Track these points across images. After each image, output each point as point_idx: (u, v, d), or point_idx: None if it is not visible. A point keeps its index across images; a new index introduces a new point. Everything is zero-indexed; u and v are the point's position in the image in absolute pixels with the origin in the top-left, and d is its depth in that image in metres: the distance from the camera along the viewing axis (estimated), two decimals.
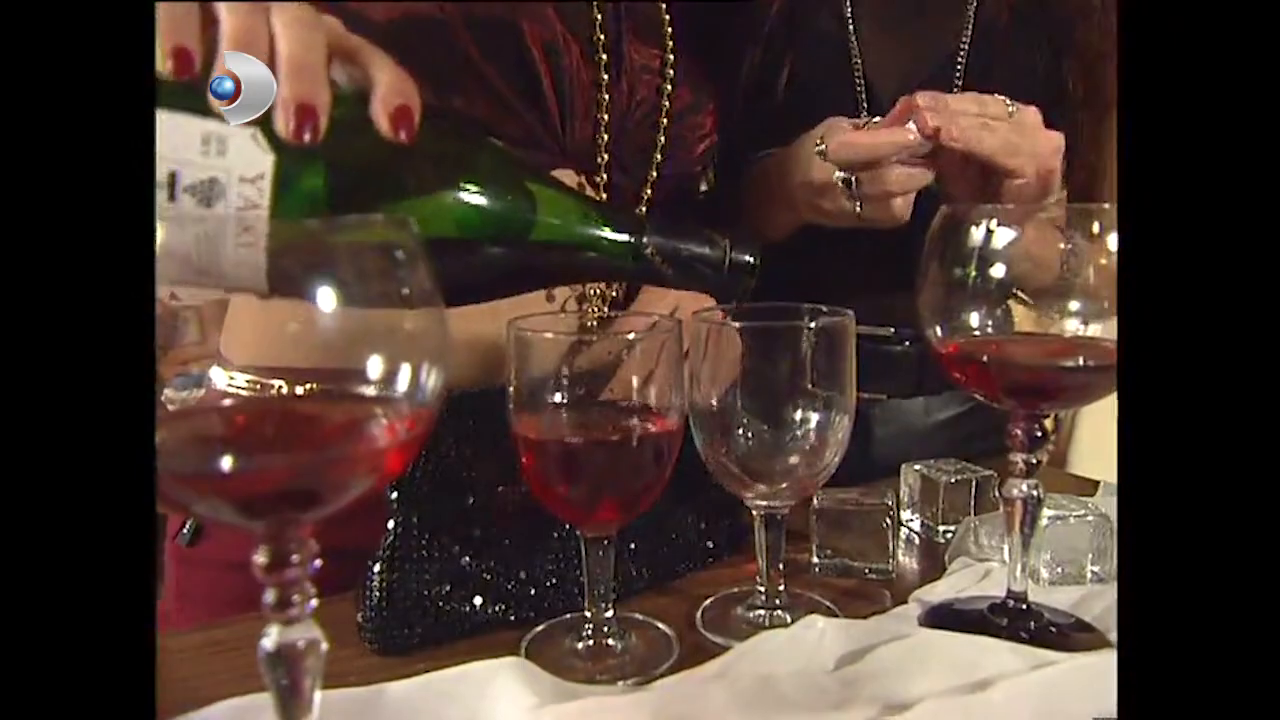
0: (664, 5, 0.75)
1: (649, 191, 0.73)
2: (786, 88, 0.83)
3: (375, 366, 0.35)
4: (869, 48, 0.84)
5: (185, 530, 0.70)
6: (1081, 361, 0.50)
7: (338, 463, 0.34)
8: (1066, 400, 0.53)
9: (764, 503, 0.58)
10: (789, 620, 0.57)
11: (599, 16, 0.68)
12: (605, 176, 0.70)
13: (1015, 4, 0.81)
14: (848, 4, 0.84)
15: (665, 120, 0.73)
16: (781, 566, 0.59)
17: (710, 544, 0.66)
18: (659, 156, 0.73)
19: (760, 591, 0.60)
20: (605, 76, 0.68)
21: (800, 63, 0.82)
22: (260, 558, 0.34)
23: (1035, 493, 0.53)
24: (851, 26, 0.84)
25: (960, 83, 0.82)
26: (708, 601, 0.61)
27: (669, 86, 0.73)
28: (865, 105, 0.84)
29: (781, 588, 0.60)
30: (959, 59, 0.82)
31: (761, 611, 0.59)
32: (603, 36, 0.69)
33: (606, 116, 0.69)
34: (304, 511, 0.34)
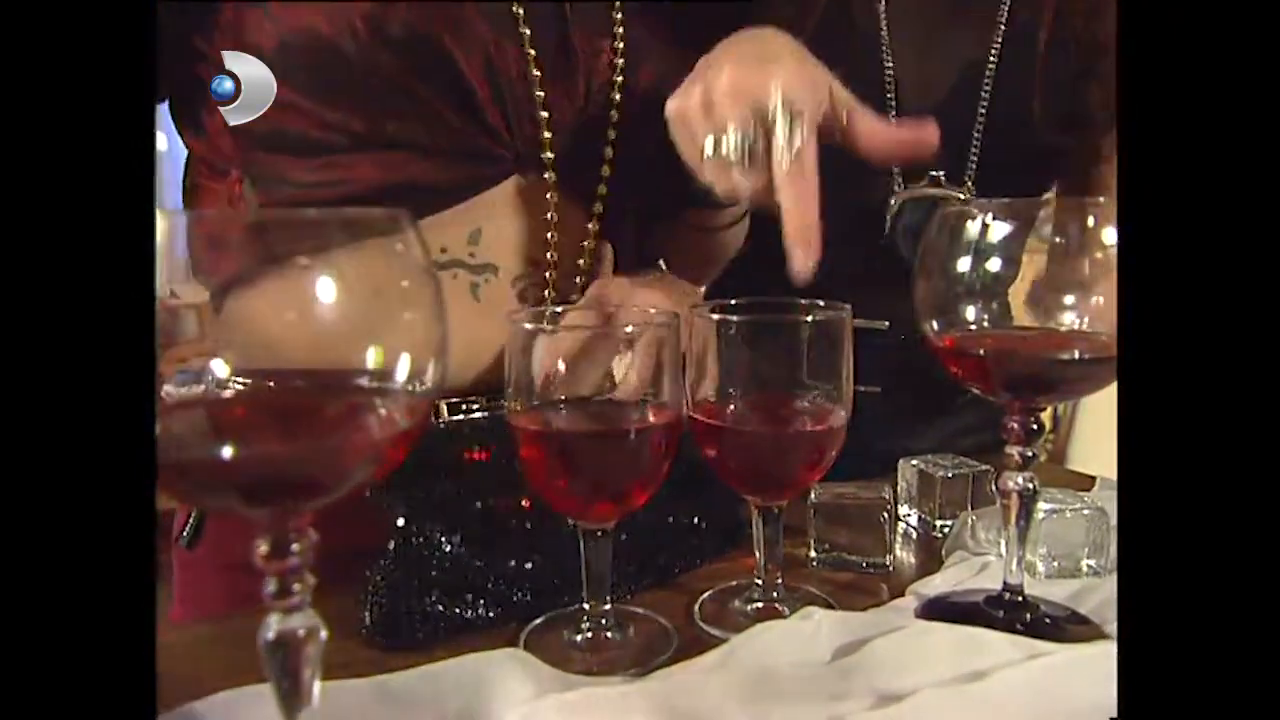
0: None
1: (606, 170, 0.73)
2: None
3: (374, 357, 0.35)
4: (901, 46, 0.83)
5: (184, 533, 0.70)
6: (1077, 355, 0.51)
7: (338, 452, 0.34)
8: (1062, 393, 0.54)
9: (761, 497, 0.58)
10: (786, 613, 0.57)
11: (519, 12, 0.67)
12: (554, 175, 0.69)
13: (1050, 22, 0.80)
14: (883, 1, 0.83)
15: (616, 113, 0.72)
16: (779, 561, 0.60)
17: (708, 541, 0.66)
18: (610, 151, 0.72)
19: (758, 585, 0.60)
20: (537, 73, 0.67)
21: (838, 58, 0.82)
22: (261, 546, 0.34)
23: (1031, 485, 0.53)
24: (885, 24, 0.83)
25: (988, 90, 0.82)
26: (705, 595, 0.61)
27: (618, 78, 0.72)
28: (894, 105, 0.83)
29: (779, 581, 0.60)
30: (988, 68, 0.82)
31: (759, 604, 0.59)
32: (529, 32, 0.67)
33: (546, 114, 0.68)
34: (305, 500, 0.34)
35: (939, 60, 0.83)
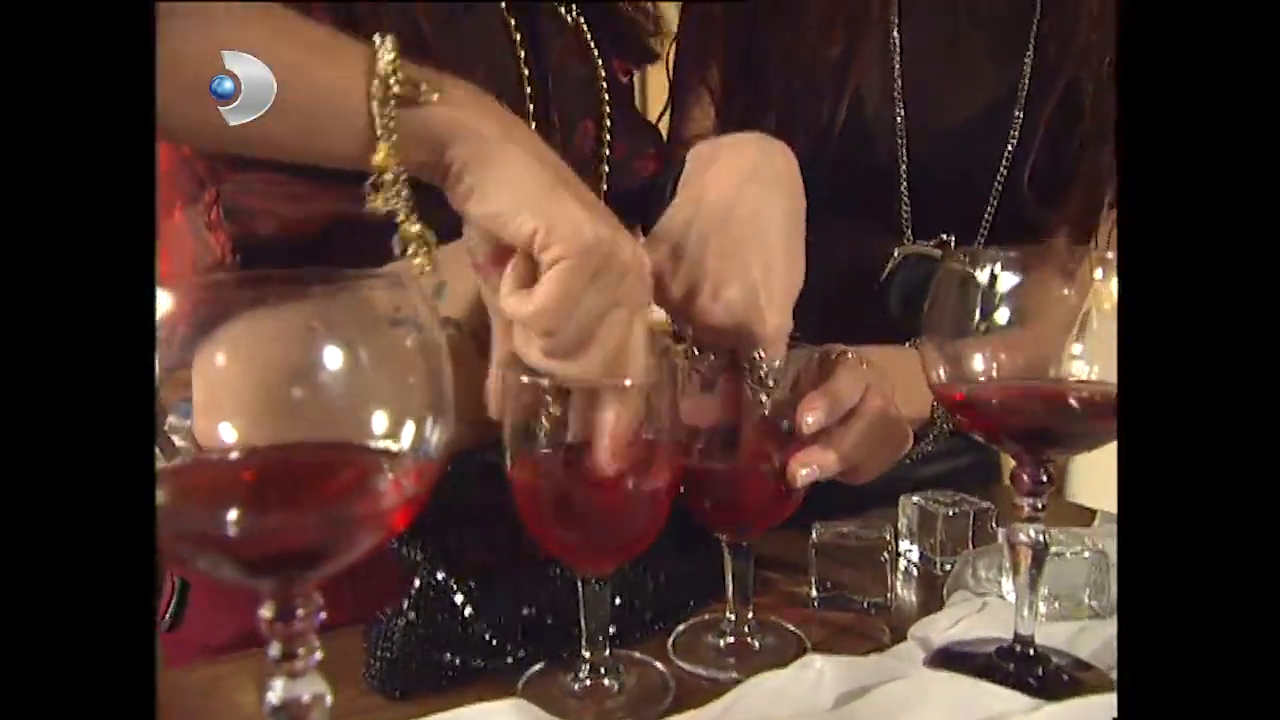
0: (600, 62, 0.73)
1: None
2: (840, 135, 0.82)
3: (380, 423, 0.35)
4: (915, 92, 0.83)
5: (165, 615, 0.70)
6: (1087, 409, 0.50)
7: (345, 523, 0.34)
8: (1072, 447, 0.53)
9: (729, 534, 0.59)
10: (757, 647, 0.59)
11: (529, 89, 0.66)
12: None
13: (1061, 90, 0.80)
14: (896, 52, 0.83)
15: (606, 168, 0.72)
16: (750, 596, 0.60)
17: (710, 584, 0.66)
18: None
19: (730, 620, 0.61)
20: None
21: (853, 109, 0.81)
22: (266, 611, 0.34)
23: (1041, 537, 0.53)
24: (898, 71, 0.83)
25: (1010, 152, 0.82)
26: (680, 629, 0.62)
27: (607, 139, 0.72)
28: (905, 155, 0.83)
29: (750, 616, 0.60)
30: (1011, 135, 0.82)
31: (731, 640, 0.60)
32: (532, 107, 0.67)
33: None
34: (310, 570, 0.34)
35: (959, 106, 0.83)
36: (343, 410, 0.35)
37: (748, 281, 0.55)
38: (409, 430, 0.35)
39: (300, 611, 0.34)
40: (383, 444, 0.35)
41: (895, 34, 0.82)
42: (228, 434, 0.35)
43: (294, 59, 0.48)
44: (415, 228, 0.50)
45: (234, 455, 0.35)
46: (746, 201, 0.57)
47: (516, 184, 0.48)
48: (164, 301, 0.32)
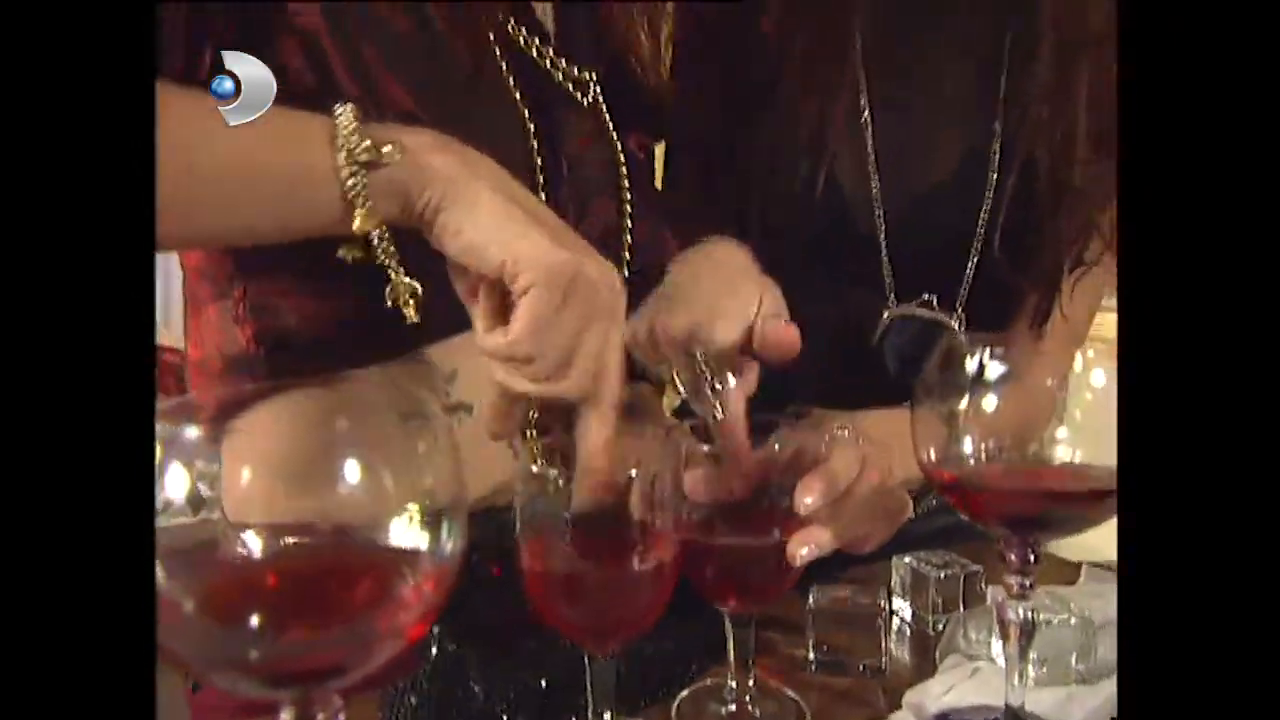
0: (619, 144, 0.74)
1: None
2: (820, 203, 0.84)
3: (397, 527, 0.36)
4: (888, 159, 0.85)
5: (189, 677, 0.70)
6: (1077, 495, 0.52)
7: (365, 638, 0.34)
8: (1061, 531, 0.55)
9: (730, 608, 0.60)
10: (759, 715, 0.60)
11: (540, 178, 0.67)
12: None
13: (1023, 151, 0.82)
14: (868, 121, 0.85)
15: (628, 255, 0.73)
16: (751, 662, 0.61)
17: (694, 660, 0.67)
18: None
19: (732, 688, 0.62)
20: None
21: (830, 178, 0.84)
22: (286, 717, 0.35)
23: (1030, 615, 0.54)
24: (871, 144, 0.85)
25: (992, 191, 0.84)
26: (683, 695, 0.63)
27: (628, 225, 0.73)
28: (883, 220, 0.85)
29: (752, 684, 0.61)
30: (991, 172, 0.84)
31: (732, 708, 0.61)
32: (544, 194, 0.67)
33: None
34: (330, 681, 0.35)
35: (928, 176, 0.86)
36: (358, 511, 0.36)
37: (703, 301, 0.61)
38: (424, 535, 0.36)
39: (320, 717, 0.36)
40: (399, 545, 0.36)
41: (866, 105, 0.85)
42: (252, 541, 0.36)
43: (261, 151, 0.51)
44: (404, 280, 0.53)
45: (256, 558, 0.36)
46: (706, 262, 0.65)
47: (482, 219, 0.50)
48: (191, 432, 0.33)
